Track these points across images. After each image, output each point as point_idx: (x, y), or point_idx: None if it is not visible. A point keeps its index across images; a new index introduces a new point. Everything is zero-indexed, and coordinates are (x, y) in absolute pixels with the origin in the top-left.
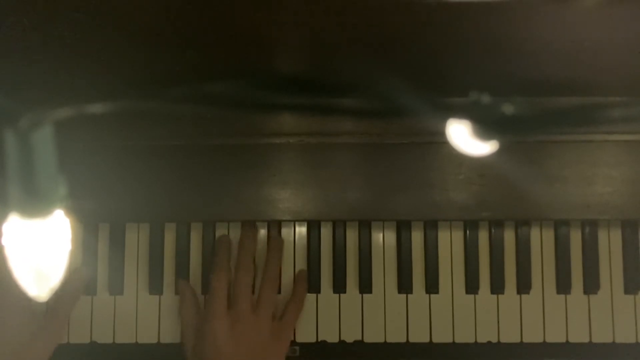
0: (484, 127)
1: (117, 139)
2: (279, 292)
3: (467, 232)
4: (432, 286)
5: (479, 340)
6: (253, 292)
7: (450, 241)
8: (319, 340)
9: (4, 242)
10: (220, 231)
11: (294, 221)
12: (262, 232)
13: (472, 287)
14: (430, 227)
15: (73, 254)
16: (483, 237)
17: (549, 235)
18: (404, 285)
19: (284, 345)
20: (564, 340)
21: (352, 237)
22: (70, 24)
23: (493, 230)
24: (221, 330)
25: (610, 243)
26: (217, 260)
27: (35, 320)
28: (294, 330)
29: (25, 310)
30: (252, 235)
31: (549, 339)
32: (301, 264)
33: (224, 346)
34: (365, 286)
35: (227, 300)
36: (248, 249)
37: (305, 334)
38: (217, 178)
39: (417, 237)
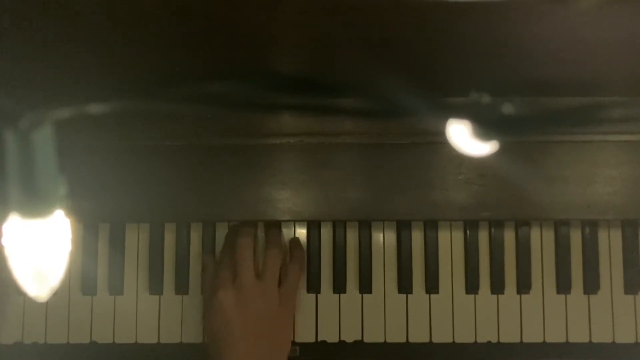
0: (484, 127)
1: (117, 139)
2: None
3: (467, 232)
4: (432, 286)
5: (479, 340)
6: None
7: (450, 241)
8: (319, 340)
9: (4, 242)
10: (220, 231)
11: (294, 221)
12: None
13: (472, 287)
14: (430, 227)
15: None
16: (483, 237)
17: (549, 235)
18: (404, 285)
19: (289, 310)
20: (564, 340)
21: (352, 237)
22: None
23: (493, 230)
24: (228, 300)
25: (610, 243)
26: (226, 240)
27: None
28: (294, 330)
29: None
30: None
31: (549, 339)
32: None
33: (232, 316)
34: (365, 286)
35: (233, 272)
36: (249, 228)
37: (305, 334)
38: (217, 178)
39: (417, 237)
